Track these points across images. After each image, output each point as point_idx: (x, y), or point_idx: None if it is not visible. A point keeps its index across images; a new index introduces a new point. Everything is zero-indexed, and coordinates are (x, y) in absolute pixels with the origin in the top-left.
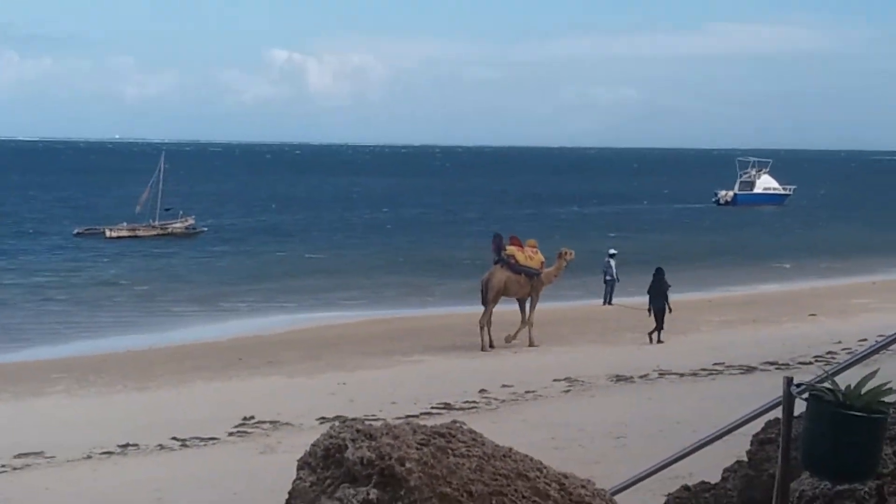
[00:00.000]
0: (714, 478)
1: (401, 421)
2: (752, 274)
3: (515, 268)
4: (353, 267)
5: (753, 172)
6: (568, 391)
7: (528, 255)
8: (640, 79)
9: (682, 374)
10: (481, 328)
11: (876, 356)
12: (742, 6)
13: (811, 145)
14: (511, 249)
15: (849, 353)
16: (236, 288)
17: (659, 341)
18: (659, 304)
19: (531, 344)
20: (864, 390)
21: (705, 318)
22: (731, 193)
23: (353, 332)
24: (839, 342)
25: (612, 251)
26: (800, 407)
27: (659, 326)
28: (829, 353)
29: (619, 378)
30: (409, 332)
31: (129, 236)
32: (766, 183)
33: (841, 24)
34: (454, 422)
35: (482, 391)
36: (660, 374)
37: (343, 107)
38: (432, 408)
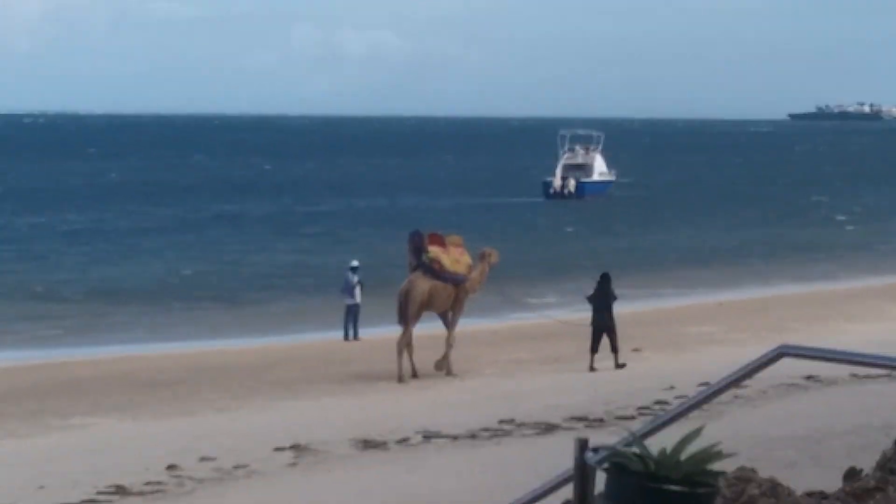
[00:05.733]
0: None
1: None
2: (552, 295)
3: (441, 275)
4: None
5: (583, 152)
6: (294, 464)
7: (455, 257)
8: (401, 21)
9: (455, 437)
10: (399, 353)
11: (708, 407)
12: None
13: (594, 113)
14: (434, 251)
15: (686, 402)
16: None
17: (619, 365)
18: (602, 318)
19: (448, 372)
20: (684, 456)
21: (491, 355)
22: (572, 182)
23: None
24: (671, 387)
25: (353, 263)
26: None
27: (613, 346)
28: (657, 402)
29: (367, 444)
30: (67, 385)
31: None
32: (601, 167)
33: None
34: None
35: (172, 467)
36: (424, 436)
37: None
38: (98, 493)
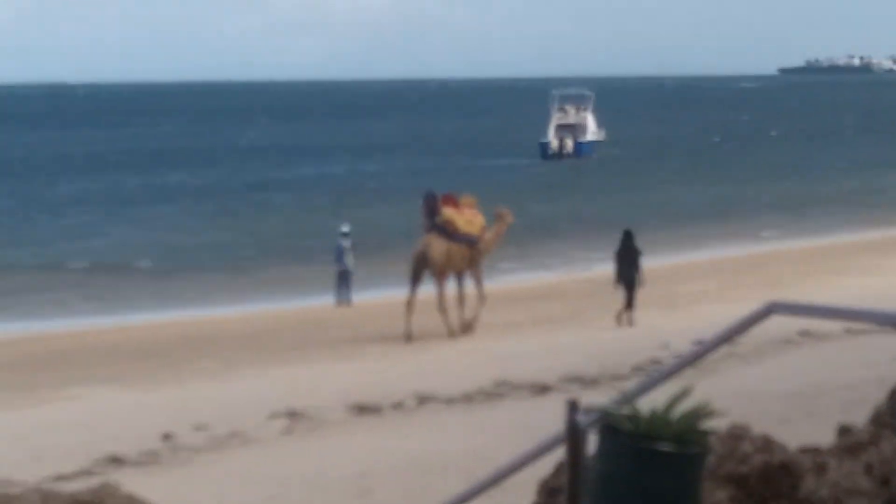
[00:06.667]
0: None
1: (40, 485)
2: (547, 260)
3: (454, 236)
4: None
5: (574, 112)
6: (289, 431)
7: (468, 218)
8: None
9: (450, 400)
10: (442, 312)
11: (702, 365)
12: None
13: (581, 72)
14: (448, 212)
15: (678, 360)
16: None
17: (620, 321)
18: (629, 274)
19: (469, 328)
20: (675, 415)
21: (485, 317)
22: (570, 142)
23: None
24: (666, 346)
25: (344, 228)
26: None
27: (630, 303)
28: (652, 360)
29: (362, 409)
30: (60, 356)
31: None
32: (592, 126)
33: None
34: (105, 485)
35: (167, 436)
36: (419, 400)
37: None
38: (94, 464)
